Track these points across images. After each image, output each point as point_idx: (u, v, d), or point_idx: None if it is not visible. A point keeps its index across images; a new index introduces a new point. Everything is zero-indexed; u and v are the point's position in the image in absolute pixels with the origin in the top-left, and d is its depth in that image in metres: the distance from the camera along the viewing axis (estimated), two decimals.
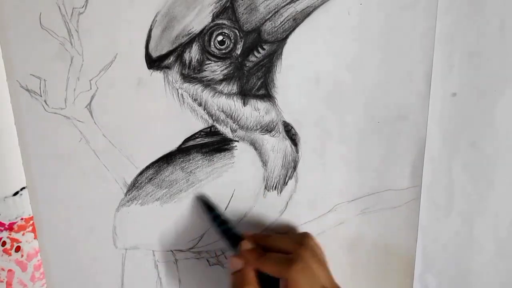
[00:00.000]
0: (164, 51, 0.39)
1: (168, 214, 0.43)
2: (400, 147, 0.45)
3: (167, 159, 0.42)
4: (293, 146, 0.43)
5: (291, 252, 0.38)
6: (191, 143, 0.42)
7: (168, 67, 0.40)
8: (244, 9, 0.39)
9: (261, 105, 0.42)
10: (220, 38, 0.39)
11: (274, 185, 0.44)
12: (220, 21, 0.39)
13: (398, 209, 0.46)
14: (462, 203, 0.48)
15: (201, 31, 0.39)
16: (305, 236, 0.41)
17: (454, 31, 0.43)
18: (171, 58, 0.40)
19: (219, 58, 0.40)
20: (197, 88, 0.41)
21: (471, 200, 0.48)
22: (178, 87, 0.40)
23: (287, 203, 0.45)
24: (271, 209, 0.45)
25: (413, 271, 0.48)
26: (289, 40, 0.40)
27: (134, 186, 0.42)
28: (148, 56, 0.39)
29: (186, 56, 0.40)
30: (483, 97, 0.45)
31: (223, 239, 0.41)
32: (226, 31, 0.39)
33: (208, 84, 0.41)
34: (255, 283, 0.38)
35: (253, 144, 0.42)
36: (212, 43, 0.39)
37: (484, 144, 0.47)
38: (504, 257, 0.50)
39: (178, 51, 0.39)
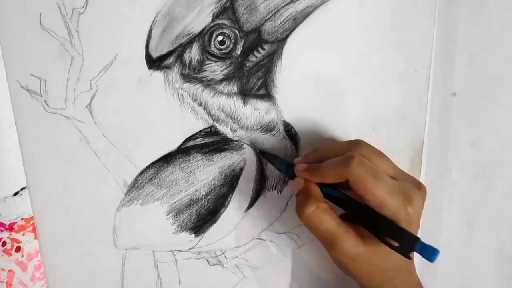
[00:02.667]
0: (164, 51, 0.39)
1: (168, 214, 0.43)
2: (398, 146, 0.45)
3: (167, 159, 0.42)
4: (293, 146, 0.43)
5: (346, 152, 0.35)
6: (191, 143, 0.42)
7: (168, 67, 0.40)
8: (244, 9, 0.39)
9: (261, 105, 0.42)
10: (220, 38, 0.39)
11: (274, 185, 0.44)
12: (220, 21, 0.39)
13: None
14: (462, 203, 0.48)
15: (201, 31, 0.39)
16: (356, 139, 0.38)
17: (454, 30, 0.43)
18: (171, 58, 0.40)
19: (219, 58, 0.40)
20: (197, 88, 0.41)
21: (471, 200, 0.48)
22: (178, 87, 0.40)
23: (287, 202, 0.45)
24: (272, 208, 0.45)
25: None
26: (289, 40, 0.40)
27: (134, 186, 0.42)
28: (148, 56, 0.39)
29: (186, 56, 0.40)
30: (483, 97, 0.45)
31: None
32: (226, 31, 0.39)
33: (208, 84, 0.41)
34: (320, 195, 0.36)
35: (253, 144, 0.42)
36: (212, 43, 0.39)
37: (484, 144, 0.47)
38: (504, 257, 0.50)
39: (178, 51, 0.40)
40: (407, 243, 0.34)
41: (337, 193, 0.36)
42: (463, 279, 0.50)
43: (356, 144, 0.37)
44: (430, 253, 0.33)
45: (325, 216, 0.35)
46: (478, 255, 0.50)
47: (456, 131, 0.46)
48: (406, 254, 0.34)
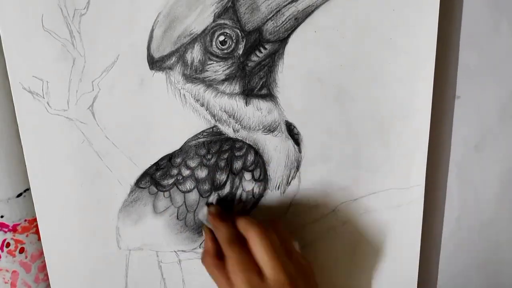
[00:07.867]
0: (166, 52, 0.39)
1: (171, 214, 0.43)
2: (403, 147, 0.44)
3: (169, 159, 0.42)
4: (295, 146, 0.43)
5: None
6: (193, 143, 0.42)
7: (170, 68, 0.40)
8: (246, 9, 0.39)
9: (264, 104, 0.42)
10: (221, 38, 0.39)
11: (277, 186, 0.44)
12: (221, 21, 0.39)
13: (402, 208, 0.46)
14: (465, 203, 0.48)
15: (203, 32, 0.39)
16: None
17: (457, 29, 0.43)
18: (173, 59, 0.40)
19: (221, 58, 0.40)
20: (199, 89, 0.41)
21: (473, 201, 0.48)
22: (180, 88, 0.40)
23: (290, 203, 0.44)
24: (274, 209, 0.44)
25: (417, 270, 0.48)
26: (290, 40, 0.40)
27: (137, 187, 0.43)
28: (150, 57, 0.39)
29: (188, 56, 0.40)
30: (486, 98, 0.45)
31: None
32: (227, 31, 0.39)
33: (210, 84, 0.41)
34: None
35: (256, 144, 0.42)
36: (214, 43, 0.39)
37: (487, 145, 0.46)
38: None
39: (180, 52, 0.39)
40: None
41: None
42: (462, 280, 0.50)
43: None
44: None
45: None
46: (480, 254, 0.49)
47: (459, 132, 0.45)
48: None
